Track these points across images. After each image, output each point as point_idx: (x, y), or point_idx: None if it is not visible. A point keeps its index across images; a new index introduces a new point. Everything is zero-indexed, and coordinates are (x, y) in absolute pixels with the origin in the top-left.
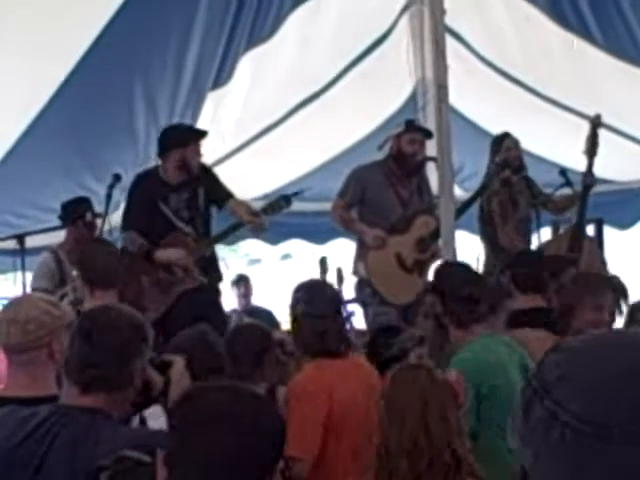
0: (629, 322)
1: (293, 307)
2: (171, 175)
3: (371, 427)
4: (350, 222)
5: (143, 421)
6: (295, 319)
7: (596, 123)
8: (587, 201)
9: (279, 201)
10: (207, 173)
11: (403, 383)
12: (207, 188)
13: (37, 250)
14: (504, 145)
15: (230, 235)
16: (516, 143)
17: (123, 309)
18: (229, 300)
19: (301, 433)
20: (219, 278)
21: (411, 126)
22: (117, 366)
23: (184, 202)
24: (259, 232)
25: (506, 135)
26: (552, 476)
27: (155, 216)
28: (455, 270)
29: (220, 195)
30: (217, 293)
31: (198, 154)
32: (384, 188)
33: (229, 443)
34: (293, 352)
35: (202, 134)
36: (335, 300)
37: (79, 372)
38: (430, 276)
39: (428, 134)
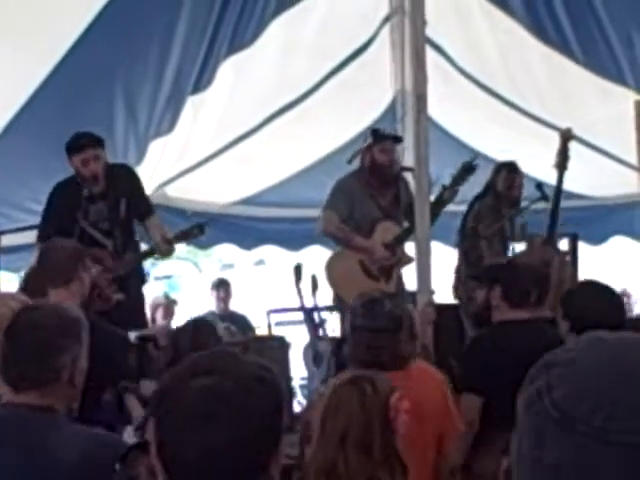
0: None
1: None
2: (85, 185)
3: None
4: (350, 237)
5: None
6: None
7: (567, 137)
8: (557, 215)
9: (193, 229)
10: (132, 183)
11: (335, 402)
12: (129, 199)
13: (13, 249)
14: (514, 181)
15: (145, 259)
16: (522, 180)
17: (50, 306)
18: (206, 302)
19: None
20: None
21: (379, 136)
22: (37, 363)
23: (104, 213)
24: (163, 257)
25: (514, 168)
26: (518, 444)
27: (72, 228)
28: None
29: (141, 209)
30: (133, 309)
31: (88, 162)
32: (365, 199)
33: (218, 441)
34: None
35: (87, 143)
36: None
37: (4, 371)
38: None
39: (397, 139)
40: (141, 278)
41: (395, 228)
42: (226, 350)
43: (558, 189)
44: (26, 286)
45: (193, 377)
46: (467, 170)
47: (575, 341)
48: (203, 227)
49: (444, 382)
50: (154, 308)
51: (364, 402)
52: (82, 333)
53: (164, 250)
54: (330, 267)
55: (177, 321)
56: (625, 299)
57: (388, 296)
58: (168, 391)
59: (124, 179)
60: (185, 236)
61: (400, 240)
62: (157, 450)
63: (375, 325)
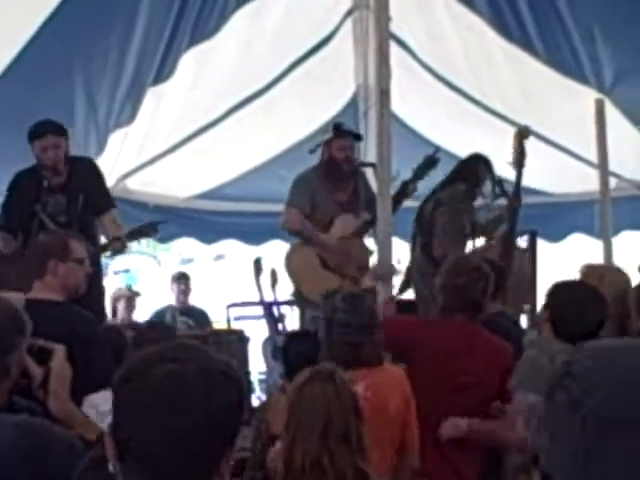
0: None
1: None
2: (46, 174)
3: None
4: (313, 235)
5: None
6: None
7: (523, 135)
8: (518, 211)
9: (146, 228)
10: (92, 177)
11: (309, 398)
12: (88, 193)
13: None
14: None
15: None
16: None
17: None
18: (165, 296)
19: None
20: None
21: (340, 132)
22: None
23: (62, 206)
24: (115, 254)
25: (486, 161)
26: (567, 458)
27: (31, 219)
28: None
29: (99, 204)
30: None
31: (47, 150)
32: (324, 194)
33: (176, 427)
34: None
35: (47, 130)
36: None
37: None
38: None
39: (357, 137)
40: (96, 272)
41: (354, 221)
42: (194, 343)
43: (517, 186)
44: None
45: (160, 362)
46: (429, 164)
47: (578, 354)
48: (157, 226)
49: (405, 381)
50: (115, 300)
51: (339, 394)
52: (28, 329)
53: (116, 247)
54: (288, 259)
55: (138, 314)
56: None
57: (365, 291)
58: (133, 373)
59: (85, 173)
60: (138, 234)
61: (359, 235)
62: (113, 430)
63: (358, 320)
